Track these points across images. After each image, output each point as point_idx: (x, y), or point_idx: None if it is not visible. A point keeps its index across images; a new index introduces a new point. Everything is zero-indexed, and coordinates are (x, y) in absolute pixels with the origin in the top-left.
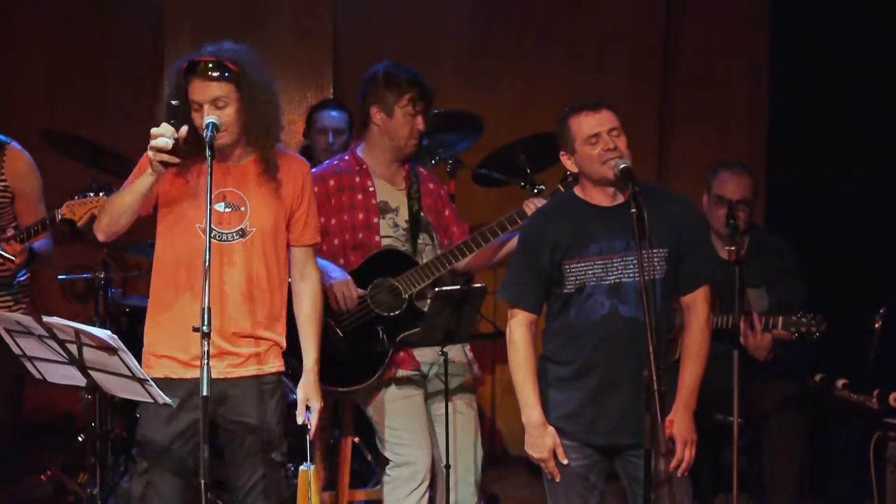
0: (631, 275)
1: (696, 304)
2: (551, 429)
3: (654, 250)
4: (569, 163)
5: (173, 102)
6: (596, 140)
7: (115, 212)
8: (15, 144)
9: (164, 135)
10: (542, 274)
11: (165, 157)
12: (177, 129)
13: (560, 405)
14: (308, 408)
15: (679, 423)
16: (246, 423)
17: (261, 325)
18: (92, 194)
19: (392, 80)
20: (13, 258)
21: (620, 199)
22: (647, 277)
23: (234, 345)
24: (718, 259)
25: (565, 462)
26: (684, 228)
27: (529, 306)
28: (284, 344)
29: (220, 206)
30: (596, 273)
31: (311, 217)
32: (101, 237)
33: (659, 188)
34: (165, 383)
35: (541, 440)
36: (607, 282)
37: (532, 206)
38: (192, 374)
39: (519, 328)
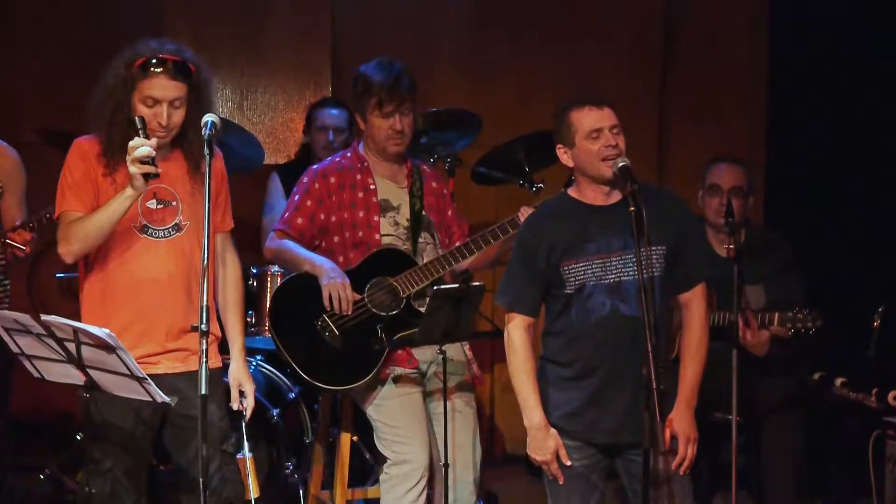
0: (630, 273)
1: (694, 301)
2: (553, 431)
3: (653, 248)
4: (565, 156)
5: (139, 117)
6: (597, 136)
7: (91, 235)
8: (2, 142)
9: (146, 143)
10: (540, 276)
11: (149, 168)
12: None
13: (561, 405)
14: (242, 393)
15: (681, 420)
16: (195, 415)
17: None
18: None
19: (361, 85)
20: (23, 247)
21: (616, 197)
22: (646, 275)
23: (179, 341)
24: (713, 256)
25: (568, 463)
26: (681, 227)
27: (527, 309)
28: (220, 334)
29: (151, 203)
30: (595, 272)
31: (227, 202)
32: (69, 260)
33: (655, 187)
34: None
35: (543, 442)
36: (607, 281)
37: (527, 213)
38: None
39: (517, 332)
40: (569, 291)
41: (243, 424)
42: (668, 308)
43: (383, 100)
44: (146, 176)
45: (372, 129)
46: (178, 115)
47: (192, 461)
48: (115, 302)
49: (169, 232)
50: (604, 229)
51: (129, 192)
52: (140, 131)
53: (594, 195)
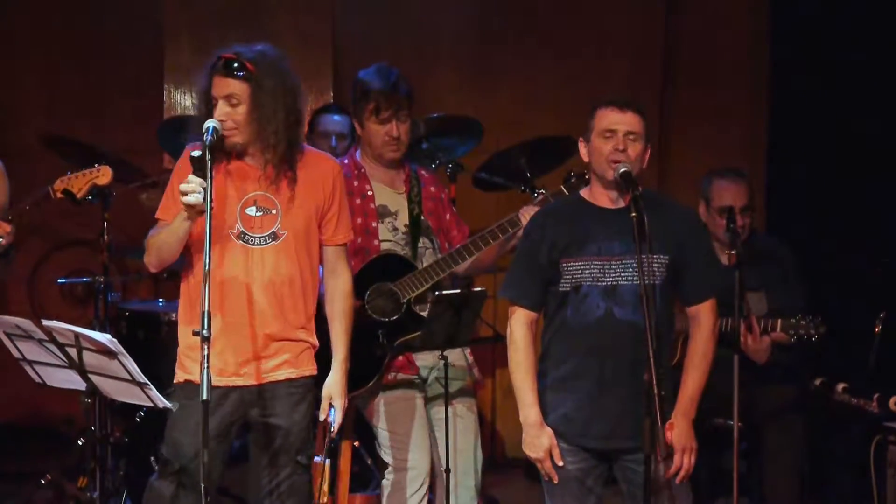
0: (628, 278)
1: (702, 315)
2: (548, 429)
3: (654, 256)
4: (583, 150)
5: (194, 154)
6: (610, 136)
7: (162, 250)
8: None
9: (194, 191)
10: (541, 272)
11: (195, 203)
12: (205, 179)
13: (556, 407)
14: (332, 406)
15: (677, 430)
16: (277, 424)
17: (294, 327)
18: (97, 165)
19: (359, 90)
20: (1, 237)
21: (623, 202)
22: (646, 282)
23: (269, 348)
24: (723, 271)
25: (560, 463)
26: (686, 238)
27: (530, 304)
28: (317, 343)
29: (251, 210)
30: (593, 273)
31: (342, 216)
32: (152, 270)
33: (663, 197)
34: (195, 387)
35: (537, 440)
36: (603, 283)
37: (527, 213)
38: (226, 381)
39: (519, 326)
40: (564, 289)
41: (323, 432)
42: (669, 314)
43: (380, 106)
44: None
45: (369, 134)
46: (237, 113)
47: (264, 467)
48: (211, 306)
49: (265, 240)
50: (606, 232)
51: (183, 215)
52: (197, 171)
53: (603, 197)
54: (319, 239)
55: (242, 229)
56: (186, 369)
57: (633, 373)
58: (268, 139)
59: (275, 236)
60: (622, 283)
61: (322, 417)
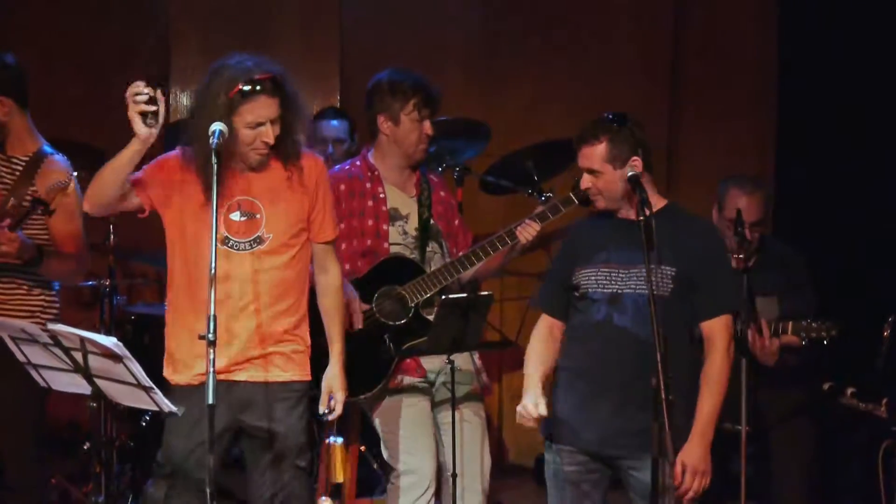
0: (632, 286)
1: (716, 333)
2: (534, 392)
3: (662, 267)
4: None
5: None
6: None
7: (102, 180)
8: (57, 157)
9: (140, 89)
10: (563, 278)
11: (145, 107)
12: (153, 91)
13: (557, 409)
14: (331, 398)
15: (691, 451)
16: (271, 429)
17: (285, 329)
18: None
19: (396, 88)
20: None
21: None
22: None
23: (259, 351)
24: (739, 289)
25: (540, 411)
26: (700, 253)
27: (550, 310)
28: (308, 343)
29: (235, 216)
30: (599, 280)
31: (327, 214)
32: (86, 206)
33: (683, 211)
34: (190, 389)
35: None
36: (608, 290)
37: (525, 230)
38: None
39: (539, 325)
40: (577, 295)
41: (325, 414)
42: (679, 329)
43: (421, 103)
44: (144, 117)
45: (404, 132)
46: (279, 128)
47: (262, 473)
48: (194, 311)
49: (250, 245)
50: (617, 241)
51: (133, 141)
52: (154, 87)
53: (626, 210)
54: (308, 238)
55: (226, 234)
56: (181, 371)
57: (628, 381)
58: (286, 151)
59: (260, 240)
60: (626, 291)
61: (322, 410)
